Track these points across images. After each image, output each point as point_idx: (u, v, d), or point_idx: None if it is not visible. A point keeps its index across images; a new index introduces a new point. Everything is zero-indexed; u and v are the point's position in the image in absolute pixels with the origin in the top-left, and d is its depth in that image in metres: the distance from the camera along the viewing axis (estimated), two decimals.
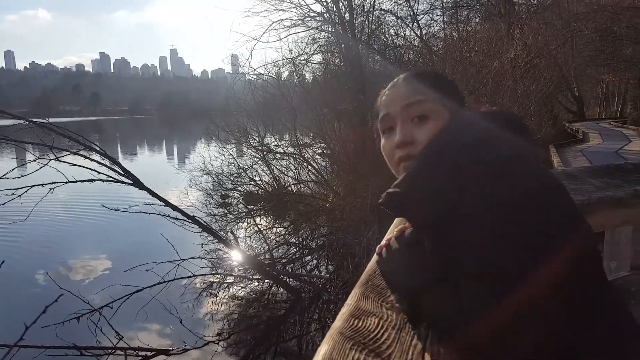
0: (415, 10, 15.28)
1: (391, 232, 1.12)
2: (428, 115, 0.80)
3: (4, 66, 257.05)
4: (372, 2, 11.22)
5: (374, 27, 11.61)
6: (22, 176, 5.00)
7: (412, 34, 13.12)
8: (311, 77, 11.78)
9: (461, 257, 0.64)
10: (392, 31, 12.31)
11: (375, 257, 1.02)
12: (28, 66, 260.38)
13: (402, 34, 12.66)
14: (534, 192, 0.65)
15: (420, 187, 0.71)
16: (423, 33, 13.89)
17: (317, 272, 7.05)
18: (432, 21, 17.33)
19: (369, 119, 9.27)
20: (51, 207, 8.62)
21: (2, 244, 8.18)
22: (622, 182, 1.81)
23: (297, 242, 7.79)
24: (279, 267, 6.63)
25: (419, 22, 14.81)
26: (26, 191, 4.99)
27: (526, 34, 9.54)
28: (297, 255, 7.36)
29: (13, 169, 5.04)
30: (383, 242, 0.96)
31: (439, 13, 18.32)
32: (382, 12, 12.35)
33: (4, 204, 4.78)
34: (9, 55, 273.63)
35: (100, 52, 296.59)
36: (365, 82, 9.59)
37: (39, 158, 5.11)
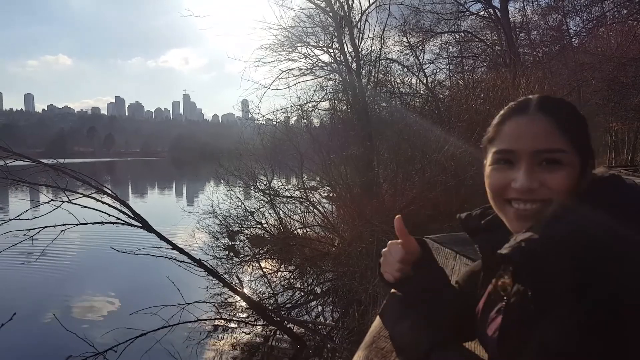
0: (421, 60, 15.85)
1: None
2: (561, 161, 0.73)
3: (24, 108, 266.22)
4: (378, 53, 11.68)
5: (380, 75, 12.01)
6: (35, 217, 5.13)
7: (418, 82, 13.54)
8: (318, 123, 12.11)
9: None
10: (398, 79, 12.71)
11: (378, 319, 0.99)
12: (46, 108, 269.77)
13: (408, 82, 13.05)
14: None
15: (566, 252, 0.61)
16: (429, 81, 14.33)
17: (322, 319, 6.94)
18: (438, 70, 17.91)
19: (375, 165, 9.42)
20: (62, 248, 8.70)
21: (12, 284, 8.22)
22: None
23: (302, 286, 7.72)
24: (283, 313, 6.55)
25: (425, 70, 15.33)
26: (38, 232, 5.10)
27: (532, 83, 9.73)
28: (302, 301, 7.27)
29: (26, 210, 5.18)
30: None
31: (445, 62, 18.97)
32: (389, 61, 12.82)
33: (16, 244, 4.89)
34: (28, 98, 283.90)
35: (115, 96, 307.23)
36: (371, 129, 9.82)
37: (52, 200, 5.26)
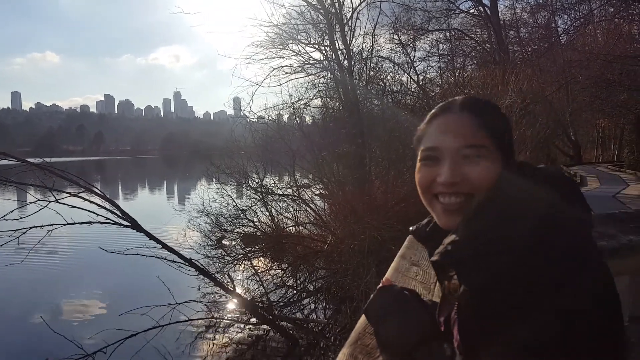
0: (412, 57, 15.89)
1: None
2: (482, 156, 0.76)
3: (10, 106, 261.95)
4: (370, 50, 11.67)
5: (372, 73, 12.00)
6: (22, 218, 5.04)
7: (409, 79, 13.56)
8: (310, 121, 12.07)
9: (515, 329, 0.60)
10: (389, 77, 12.71)
11: (363, 316, 0.99)
12: (34, 106, 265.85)
13: (399, 79, 13.07)
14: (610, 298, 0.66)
15: (490, 247, 0.65)
16: (420, 79, 14.37)
17: (314, 316, 6.92)
18: (429, 67, 17.99)
19: (366, 162, 9.42)
20: (49, 248, 8.58)
21: None
22: (617, 232, 1.79)
23: (295, 284, 7.70)
24: (276, 311, 6.52)
25: (416, 68, 15.38)
26: (24, 233, 5.01)
27: (521, 80, 9.80)
28: (295, 299, 7.24)
29: (13, 211, 5.09)
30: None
31: (436, 60, 19.06)
32: (380, 59, 12.81)
33: (1, 245, 4.80)
34: (15, 96, 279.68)
35: (105, 94, 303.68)
36: (363, 126, 9.81)
37: (38, 200, 5.17)
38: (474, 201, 0.73)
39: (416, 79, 14.07)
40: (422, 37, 18.33)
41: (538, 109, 11.47)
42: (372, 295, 0.99)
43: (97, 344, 5.11)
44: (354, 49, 11.28)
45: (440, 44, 19.38)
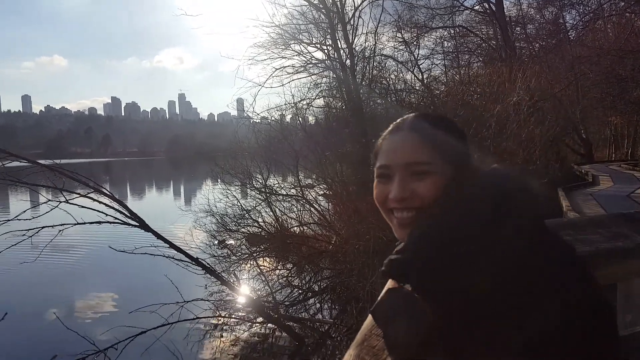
0: (416, 55, 15.81)
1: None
2: (427, 172, 0.79)
3: (21, 109, 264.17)
4: (372, 49, 11.68)
5: (375, 72, 11.98)
6: (34, 218, 5.17)
7: (413, 78, 13.51)
8: (313, 121, 12.10)
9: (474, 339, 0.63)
10: (393, 75, 12.70)
11: (370, 316, 0.94)
12: (43, 109, 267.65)
13: (403, 78, 13.03)
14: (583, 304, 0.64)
15: (431, 258, 0.69)
16: (424, 77, 14.29)
17: (320, 316, 6.98)
18: (433, 65, 17.84)
19: (370, 162, 9.38)
20: (61, 247, 8.73)
21: (11, 284, 8.29)
22: (631, 232, 1.76)
23: (300, 284, 7.77)
24: (281, 310, 6.60)
25: (420, 66, 15.27)
26: (37, 232, 5.14)
27: (529, 78, 9.68)
28: (300, 298, 7.31)
29: (25, 211, 5.22)
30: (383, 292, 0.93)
31: (440, 57, 18.92)
32: (383, 57, 12.80)
33: (15, 244, 4.92)
34: (25, 100, 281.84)
35: (112, 97, 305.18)
36: (366, 126, 9.84)
37: (49, 200, 5.30)
38: (421, 216, 0.78)
39: (420, 77, 13.99)
40: (425, 35, 18.18)
41: (547, 107, 11.34)
42: (380, 296, 0.97)
43: (108, 341, 5.23)
44: (357, 48, 11.27)
45: (445, 42, 19.22)
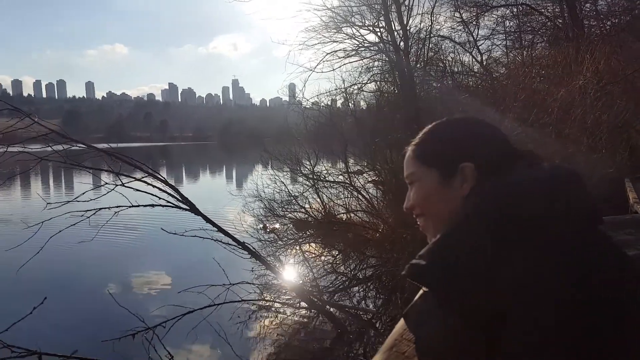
0: (475, 36, 14.93)
1: None
2: (414, 180, 0.87)
3: (85, 96, 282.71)
4: (428, 30, 11.19)
5: (431, 54, 11.50)
6: (91, 200, 5.43)
7: (472, 59, 12.83)
8: (364, 106, 11.86)
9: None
10: (450, 57, 12.13)
11: (402, 321, 0.96)
12: (105, 95, 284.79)
13: (460, 60, 12.41)
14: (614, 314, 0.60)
15: (448, 265, 0.69)
16: (484, 58, 13.53)
17: (364, 305, 6.91)
18: (494, 46, 16.78)
19: None
20: (116, 228, 9.21)
21: (69, 262, 8.82)
22: None
23: (345, 271, 7.72)
24: (325, 297, 6.59)
25: (479, 47, 14.42)
26: (94, 213, 5.40)
27: (597, 59, 8.94)
28: (345, 286, 7.26)
29: (84, 193, 5.49)
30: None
31: (501, 38, 17.79)
32: (440, 39, 12.24)
33: (74, 224, 5.20)
34: (89, 86, 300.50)
35: (169, 83, 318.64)
36: (419, 111, 9.50)
37: (106, 183, 5.54)
38: (428, 221, 0.84)
39: (479, 58, 13.26)
40: (486, 14, 17.11)
41: (617, 91, 10.44)
42: (414, 300, 0.94)
43: (157, 318, 5.44)
44: (411, 29, 10.87)
45: (507, 21, 18.02)
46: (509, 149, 0.82)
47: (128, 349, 4.92)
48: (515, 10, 17.80)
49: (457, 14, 14.80)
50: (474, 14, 16.07)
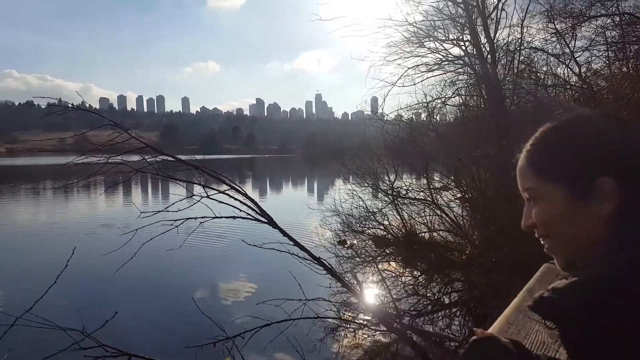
0: (572, 47, 13.75)
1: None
2: (535, 197, 0.75)
3: (181, 110, 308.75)
4: (519, 42, 10.50)
5: (522, 66, 10.77)
6: (180, 210, 5.72)
7: (568, 72, 11.76)
8: (446, 121, 11.35)
9: None
10: (543, 69, 11.22)
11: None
12: (199, 110, 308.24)
13: (554, 72, 11.44)
14: None
15: (597, 315, 0.56)
16: (582, 71, 12.35)
17: (449, 332, 6.44)
18: (593, 57, 15.31)
19: (510, 167, 8.39)
20: (200, 238, 9.68)
21: (158, 268, 9.33)
22: None
23: (427, 294, 7.29)
24: (405, 321, 6.25)
25: (577, 59, 13.24)
26: (182, 223, 5.70)
27: None
28: (427, 310, 6.85)
29: (173, 203, 5.81)
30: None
31: (602, 49, 16.14)
32: (532, 50, 11.40)
33: (164, 232, 5.51)
34: (185, 101, 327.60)
35: (256, 98, 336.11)
36: (508, 126, 8.83)
37: (193, 195, 5.83)
38: (557, 243, 0.73)
39: (577, 71, 12.11)
40: (583, 25, 15.67)
41: None
42: (463, 351, 0.88)
43: (235, 328, 5.53)
44: (498, 42, 10.32)
45: (607, 31, 16.34)
46: None
47: (209, 356, 5.04)
48: (617, 19, 16.04)
49: (550, 25, 13.74)
50: (570, 24, 14.75)
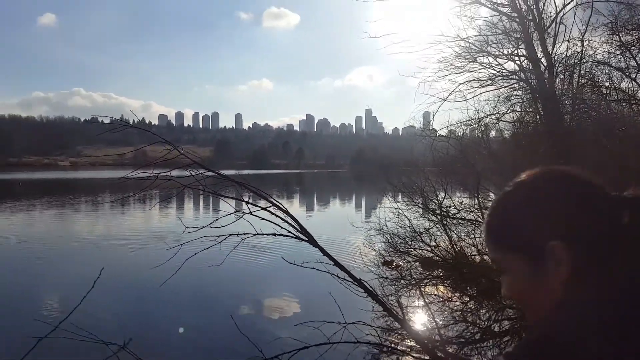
0: (638, 60, 12.78)
1: None
2: (503, 270, 0.75)
3: (234, 126, 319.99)
4: (579, 56, 9.90)
5: (583, 81, 10.13)
6: (222, 226, 5.79)
7: (634, 85, 10.92)
8: (500, 138, 10.84)
9: None
10: (606, 83, 10.50)
11: None
12: (251, 126, 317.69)
13: (617, 86, 10.67)
14: None
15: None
16: None
17: None
18: None
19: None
20: (240, 254, 9.74)
21: (198, 283, 9.40)
22: None
23: (476, 322, 6.87)
24: (452, 349, 5.90)
25: None
26: (225, 239, 5.75)
27: None
28: (476, 338, 6.44)
29: (217, 219, 5.90)
30: None
31: None
32: (594, 64, 10.71)
33: (207, 248, 5.59)
34: (238, 117, 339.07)
35: (306, 114, 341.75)
36: (568, 144, 8.27)
37: (237, 211, 5.88)
38: (526, 311, 0.75)
39: None
40: None
41: None
42: None
43: (272, 348, 5.46)
44: (556, 56, 9.80)
45: None
46: (614, 213, 0.66)
47: None
48: None
49: (614, 37, 12.85)
50: (636, 36, 13.73)
